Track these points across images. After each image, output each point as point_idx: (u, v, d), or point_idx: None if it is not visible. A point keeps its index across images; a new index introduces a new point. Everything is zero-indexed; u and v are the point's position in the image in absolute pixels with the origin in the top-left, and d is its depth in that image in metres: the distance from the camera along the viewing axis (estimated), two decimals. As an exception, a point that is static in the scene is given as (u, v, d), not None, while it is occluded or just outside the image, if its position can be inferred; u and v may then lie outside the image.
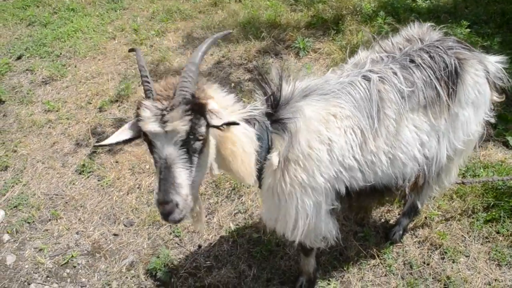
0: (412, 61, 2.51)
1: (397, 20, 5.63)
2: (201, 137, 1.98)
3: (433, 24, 2.86)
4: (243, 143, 2.15)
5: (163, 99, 1.94)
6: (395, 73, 2.45)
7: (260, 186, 2.49)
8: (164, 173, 1.93)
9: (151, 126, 1.90)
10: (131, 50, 2.49)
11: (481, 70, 2.66)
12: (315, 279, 3.25)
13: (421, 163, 2.64)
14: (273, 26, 6.12)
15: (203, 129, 1.97)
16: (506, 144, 4.24)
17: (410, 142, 2.51)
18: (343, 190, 2.47)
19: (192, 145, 1.97)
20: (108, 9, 7.34)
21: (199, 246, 3.67)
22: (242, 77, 5.39)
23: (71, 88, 5.62)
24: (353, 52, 4.87)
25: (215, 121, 1.95)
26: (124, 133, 2.08)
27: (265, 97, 2.34)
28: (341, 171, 2.40)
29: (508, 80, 2.80)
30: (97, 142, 4.72)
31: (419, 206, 3.32)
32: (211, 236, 3.73)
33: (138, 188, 4.22)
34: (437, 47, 2.58)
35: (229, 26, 6.24)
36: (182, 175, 1.95)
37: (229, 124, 1.95)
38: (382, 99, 2.40)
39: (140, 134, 2.03)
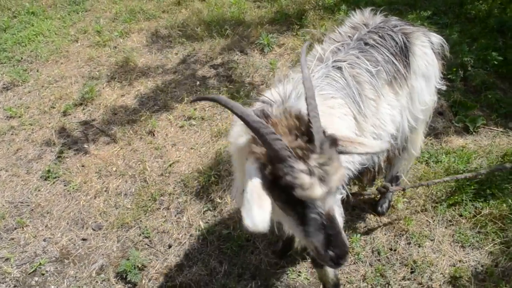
0: (366, 43, 2.65)
1: (359, 13, 5.72)
2: None
3: (398, 18, 2.97)
4: None
5: (309, 152, 1.73)
6: (358, 57, 2.56)
7: None
8: (331, 226, 1.78)
9: (319, 190, 1.70)
10: (199, 99, 2.06)
11: (427, 42, 2.85)
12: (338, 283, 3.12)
13: (392, 137, 2.77)
14: (237, 23, 6.12)
15: None
16: (466, 130, 4.36)
17: (386, 119, 2.64)
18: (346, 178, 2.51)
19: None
20: (70, 11, 7.20)
21: (169, 246, 3.65)
22: (208, 75, 5.38)
23: (34, 93, 5.49)
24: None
25: (361, 149, 1.87)
26: (265, 202, 1.72)
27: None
28: (347, 158, 2.45)
29: (448, 50, 3.02)
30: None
31: (398, 175, 3.43)
32: (181, 235, 3.72)
33: (105, 191, 4.16)
34: (383, 27, 2.76)
35: (193, 24, 6.21)
36: (340, 219, 1.88)
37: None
38: (359, 83, 2.50)
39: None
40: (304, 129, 1.79)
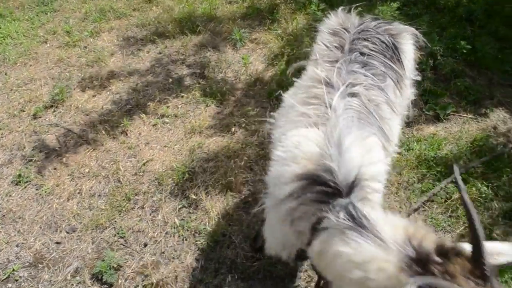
0: (362, 53, 2.50)
1: (330, 6, 5.73)
2: None
3: (373, 16, 2.97)
4: None
5: (473, 277, 1.58)
6: (365, 75, 2.39)
7: None
8: None
9: None
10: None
11: (409, 38, 2.86)
12: None
13: None
14: (209, 20, 6.09)
15: None
16: (437, 118, 4.44)
17: (395, 134, 2.55)
18: None
19: None
20: (38, 12, 7.03)
21: (145, 245, 3.62)
22: (180, 72, 5.34)
23: (2, 97, 5.36)
24: (288, 40, 4.93)
25: (502, 259, 1.69)
26: None
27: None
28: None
29: (423, 41, 3.06)
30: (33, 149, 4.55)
31: None
32: (156, 233, 3.69)
33: (78, 193, 4.10)
34: (366, 30, 2.66)
35: (164, 22, 6.15)
36: None
37: None
38: (377, 106, 2.32)
39: None
40: (478, 272, 1.64)
